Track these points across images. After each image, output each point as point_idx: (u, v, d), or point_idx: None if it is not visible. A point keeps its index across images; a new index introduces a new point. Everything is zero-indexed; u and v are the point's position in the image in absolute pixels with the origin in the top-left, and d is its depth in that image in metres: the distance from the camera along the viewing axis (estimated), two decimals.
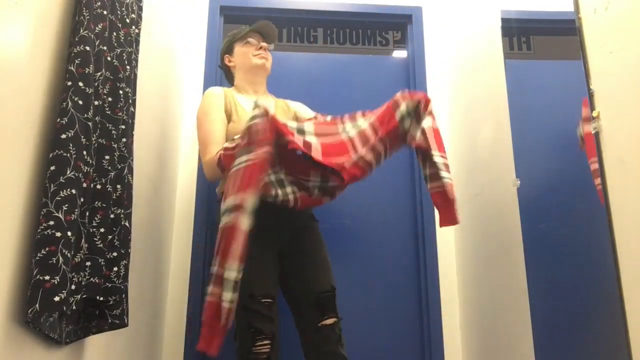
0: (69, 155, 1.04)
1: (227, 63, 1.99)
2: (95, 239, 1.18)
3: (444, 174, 1.55)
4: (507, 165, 1.78)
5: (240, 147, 1.43)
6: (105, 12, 1.24)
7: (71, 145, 1.05)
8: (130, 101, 1.36)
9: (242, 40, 1.94)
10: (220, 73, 2.14)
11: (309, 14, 2.65)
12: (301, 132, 1.51)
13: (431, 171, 1.57)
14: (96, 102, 1.19)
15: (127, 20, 1.39)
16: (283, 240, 1.71)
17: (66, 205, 1.01)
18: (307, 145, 1.48)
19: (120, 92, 1.30)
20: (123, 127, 1.31)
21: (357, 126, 1.59)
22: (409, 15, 2.69)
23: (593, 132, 1.27)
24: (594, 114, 1.27)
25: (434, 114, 1.62)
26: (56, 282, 0.96)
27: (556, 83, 1.57)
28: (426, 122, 1.58)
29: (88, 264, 1.15)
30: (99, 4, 1.22)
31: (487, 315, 1.98)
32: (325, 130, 1.57)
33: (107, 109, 1.26)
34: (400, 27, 2.74)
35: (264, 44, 1.94)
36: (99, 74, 1.20)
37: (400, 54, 2.72)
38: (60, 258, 0.98)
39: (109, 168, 1.24)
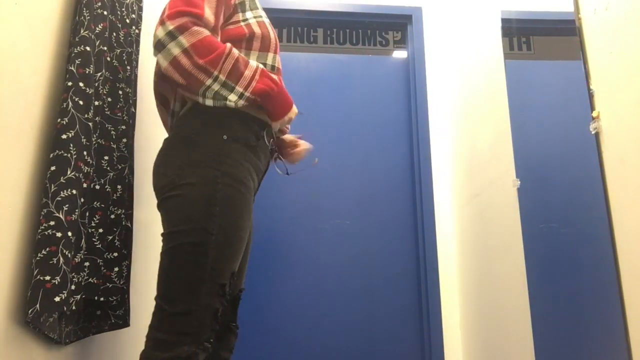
0: (69, 155, 1.04)
1: None
2: (93, 239, 1.18)
3: None
4: (507, 165, 1.77)
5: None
6: (105, 13, 1.24)
7: (72, 145, 1.05)
8: (130, 102, 1.36)
9: None
10: None
11: (309, 14, 2.65)
12: None
13: None
14: (96, 103, 1.19)
15: (127, 21, 1.39)
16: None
17: (67, 205, 1.01)
18: None
19: (120, 92, 1.30)
20: (123, 127, 1.31)
21: None
22: (409, 16, 2.69)
23: (593, 133, 1.27)
24: (594, 114, 1.27)
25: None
26: (57, 283, 0.97)
27: (556, 83, 1.57)
28: None
29: (87, 264, 1.15)
30: (99, 4, 1.22)
31: (487, 315, 1.98)
32: None
33: (106, 109, 1.26)
34: (400, 27, 2.74)
35: None
36: (99, 74, 1.20)
37: (400, 54, 2.72)
38: (61, 258, 0.98)
39: (108, 168, 1.24)
